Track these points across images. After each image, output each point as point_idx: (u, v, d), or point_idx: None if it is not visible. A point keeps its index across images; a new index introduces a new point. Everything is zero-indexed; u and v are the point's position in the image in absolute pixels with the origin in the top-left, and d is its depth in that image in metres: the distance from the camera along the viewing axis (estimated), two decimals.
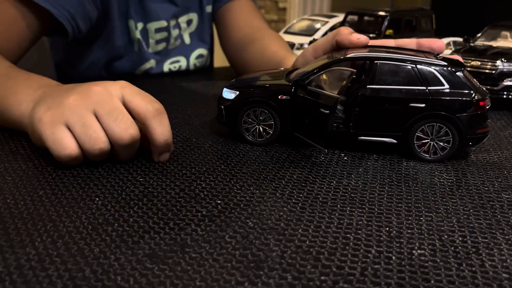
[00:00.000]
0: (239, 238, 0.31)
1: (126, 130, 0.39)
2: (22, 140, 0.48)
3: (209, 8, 0.85)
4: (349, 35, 0.50)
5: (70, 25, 0.65)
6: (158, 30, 0.79)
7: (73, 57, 0.81)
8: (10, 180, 0.39)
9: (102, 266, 0.27)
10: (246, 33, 0.81)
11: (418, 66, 0.45)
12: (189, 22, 0.84)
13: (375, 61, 0.45)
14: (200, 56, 0.87)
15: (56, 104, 0.40)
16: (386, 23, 0.85)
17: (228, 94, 0.49)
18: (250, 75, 0.54)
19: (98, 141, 0.38)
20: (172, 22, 0.80)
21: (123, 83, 0.42)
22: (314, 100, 0.44)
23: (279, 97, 0.47)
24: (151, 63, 0.82)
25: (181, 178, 0.40)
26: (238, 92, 0.48)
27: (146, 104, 0.41)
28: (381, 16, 0.87)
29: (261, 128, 0.48)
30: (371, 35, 0.86)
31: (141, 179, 0.39)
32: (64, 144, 0.38)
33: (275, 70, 0.56)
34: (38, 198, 0.35)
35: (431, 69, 0.45)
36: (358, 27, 0.89)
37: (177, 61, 0.85)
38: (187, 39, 0.85)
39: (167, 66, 0.84)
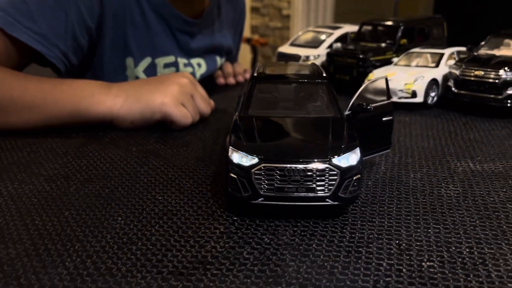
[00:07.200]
0: (257, 254, 0.33)
1: (206, 106, 0.66)
2: (42, 162, 0.50)
3: (220, 61, 0.94)
4: None
5: (62, 63, 0.66)
6: (166, 66, 0.81)
7: None
8: (36, 201, 0.41)
9: (130, 285, 0.29)
10: None
11: None
12: (199, 65, 0.87)
13: None
14: None
15: (167, 92, 0.61)
16: (400, 33, 0.87)
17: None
18: None
19: (196, 113, 0.64)
20: (182, 60, 0.83)
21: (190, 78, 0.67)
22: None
23: None
24: None
25: (197, 195, 0.42)
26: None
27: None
28: (395, 26, 0.89)
29: None
30: (384, 44, 0.89)
31: (159, 198, 0.41)
32: (187, 116, 0.62)
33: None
34: (64, 219, 0.37)
35: None
36: (373, 37, 0.91)
37: None
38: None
39: None
